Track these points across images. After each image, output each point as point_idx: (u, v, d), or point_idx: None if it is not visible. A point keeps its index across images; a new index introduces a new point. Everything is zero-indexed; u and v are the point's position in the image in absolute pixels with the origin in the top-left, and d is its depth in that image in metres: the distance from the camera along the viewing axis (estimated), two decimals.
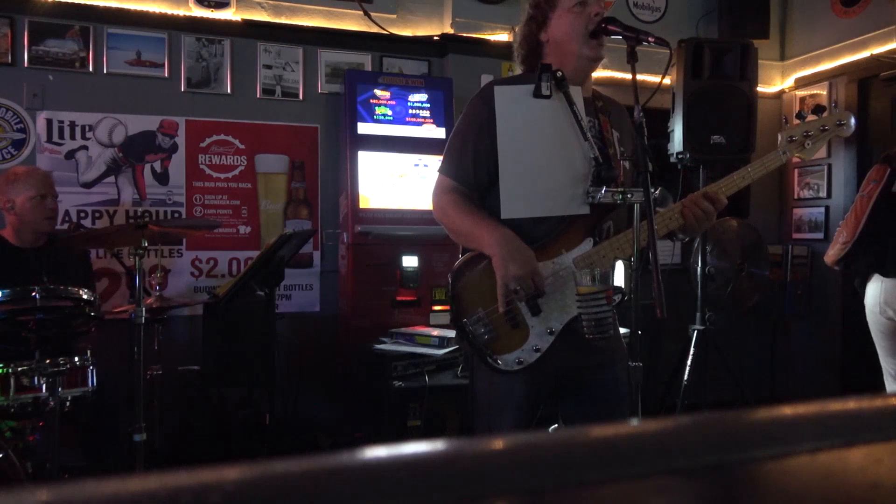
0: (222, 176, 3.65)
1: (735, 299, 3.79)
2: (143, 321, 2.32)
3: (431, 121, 3.69)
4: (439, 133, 3.67)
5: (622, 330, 1.97)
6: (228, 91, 3.65)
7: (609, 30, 1.69)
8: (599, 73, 1.89)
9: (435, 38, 3.97)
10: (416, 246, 3.49)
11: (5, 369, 2.11)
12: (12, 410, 2.13)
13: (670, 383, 3.55)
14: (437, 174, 1.79)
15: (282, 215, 3.75)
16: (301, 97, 3.79)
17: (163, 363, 2.89)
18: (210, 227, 3.44)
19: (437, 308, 3.49)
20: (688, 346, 3.44)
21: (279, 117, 3.75)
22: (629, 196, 1.57)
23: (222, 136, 3.65)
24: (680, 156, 3.59)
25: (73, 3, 3.38)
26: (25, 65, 3.33)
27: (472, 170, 1.72)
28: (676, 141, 3.62)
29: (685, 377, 3.33)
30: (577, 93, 1.70)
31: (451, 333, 2.93)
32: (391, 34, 3.90)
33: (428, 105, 3.69)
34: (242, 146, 3.68)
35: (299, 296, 3.76)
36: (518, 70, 1.87)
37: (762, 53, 4.08)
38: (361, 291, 3.45)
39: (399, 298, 3.47)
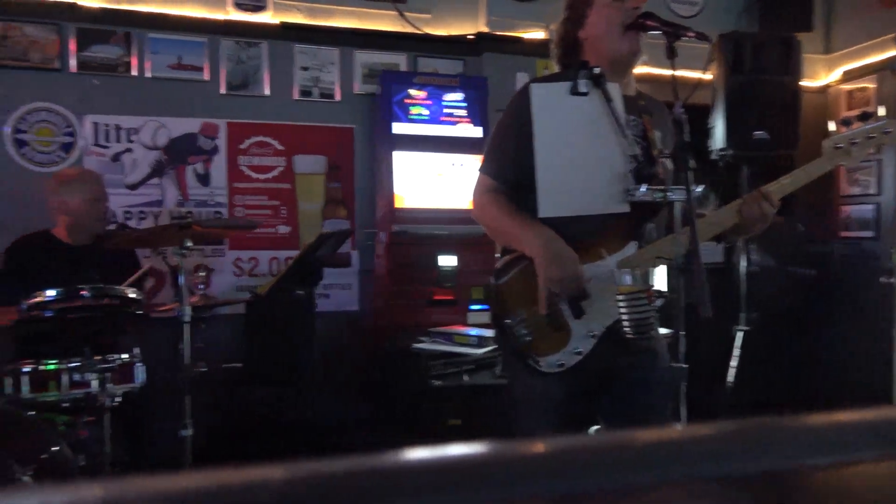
0: (262, 177, 3.71)
1: (780, 299, 3.71)
2: (188, 319, 2.37)
3: (467, 120, 3.68)
4: (475, 132, 3.66)
5: (662, 330, 1.94)
6: (267, 93, 3.71)
7: (647, 25, 1.67)
8: (638, 70, 1.87)
9: (469, 37, 3.97)
10: (453, 245, 3.49)
11: (58, 366, 2.19)
12: (65, 405, 2.21)
13: (713, 385, 3.48)
14: (477, 173, 1.79)
15: (320, 215, 3.80)
16: (337, 98, 3.83)
17: (207, 360, 2.95)
18: (250, 227, 3.50)
19: (474, 307, 3.49)
20: (731, 347, 3.37)
21: (316, 118, 3.80)
22: (670, 194, 1.55)
23: (261, 138, 3.71)
24: (721, 152, 3.52)
25: (116, 10, 3.48)
26: (72, 70, 3.43)
27: (511, 169, 1.72)
28: (718, 137, 3.55)
29: (729, 379, 3.26)
30: (614, 90, 1.68)
31: (490, 333, 2.93)
32: (426, 34, 3.91)
33: (464, 104, 3.69)
34: (281, 147, 3.73)
35: (338, 295, 3.80)
36: (555, 68, 1.86)
37: (806, 46, 3.98)
38: (398, 291, 3.47)
39: (436, 298, 3.48)
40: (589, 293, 1.63)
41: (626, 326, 1.54)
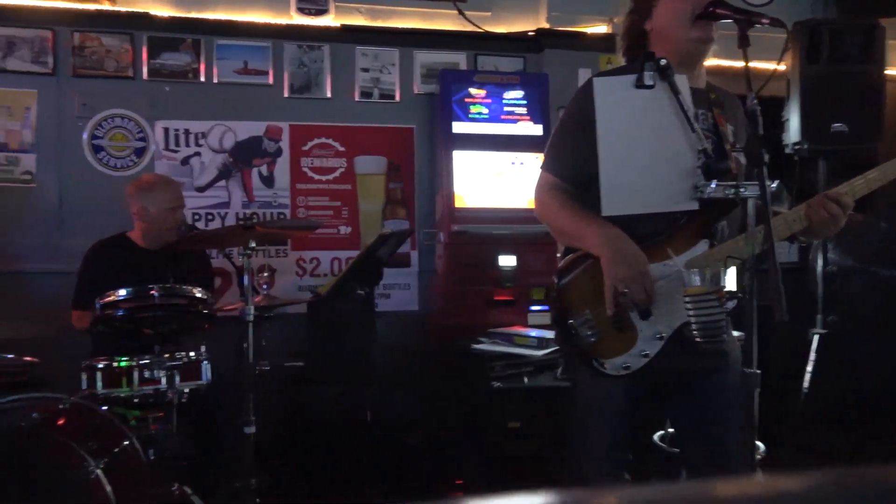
0: (323, 178, 3.76)
1: (860, 301, 3.50)
2: (252, 318, 2.42)
3: (528, 118, 3.63)
4: (536, 130, 3.61)
5: (734, 333, 1.86)
6: (328, 95, 3.76)
7: (717, 13, 1.59)
8: (708, 63, 1.79)
9: (530, 33, 3.91)
10: (514, 245, 3.45)
11: (129, 363, 2.27)
12: (136, 401, 2.28)
13: (787, 391, 3.32)
14: (539, 171, 1.75)
15: (380, 215, 3.82)
16: (397, 98, 3.84)
17: (270, 359, 3.00)
18: (312, 228, 3.55)
19: (535, 308, 3.43)
20: (807, 352, 3.20)
21: (377, 119, 3.82)
22: (742, 190, 1.47)
23: (323, 140, 3.76)
24: (797, 146, 3.35)
25: (185, 18, 3.59)
26: (144, 77, 3.57)
27: (574, 166, 1.67)
28: (793, 130, 3.38)
29: (805, 385, 3.10)
30: (682, 81, 1.61)
31: (551, 334, 2.87)
32: (486, 32, 3.88)
33: (524, 102, 3.65)
34: (342, 148, 3.78)
35: (398, 295, 3.82)
36: (620, 61, 1.80)
37: (890, 32, 3.74)
38: (458, 291, 3.45)
39: (496, 298, 3.44)
40: (655, 293, 1.56)
41: (695, 329, 1.47)
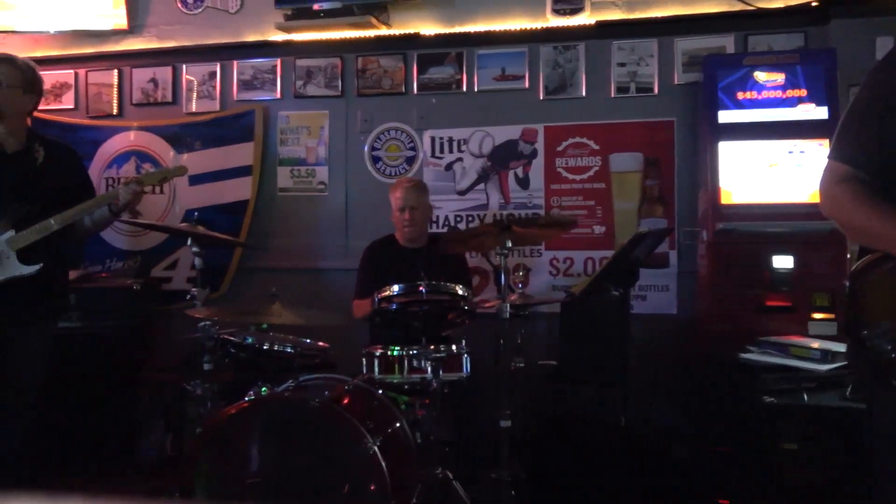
0: (577, 177, 3.76)
1: None
2: (508, 316, 2.51)
3: (808, 100, 3.21)
4: (820, 114, 3.18)
5: None
6: (583, 94, 3.75)
7: None
8: None
9: (814, 3, 3.45)
10: (790, 244, 3.08)
11: (400, 352, 2.50)
12: (405, 387, 2.51)
13: None
14: (826, 160, 1.53)
15: (636, 214, 3.70)
16: (655, 91, 3.68)
17: (524, 356, 3.08)
18: (566, 224, 3.54)
19: (817, 316, 3.02)
20: None
21: (632, 114, 3.71)
22: None
23: (577, 139, 3.75)
24: None
25: (450, 33, 3.86)
26: (414, 92, 3.92)
27: (873, 153, 1.42)
28: None
29: None
30: None
31: (837, 347, 2.51)
32: (758, 9, 3.52)
33: (804, 83, 3.23)
34: (596, 147, 3.74)
35: (655, 297, 3.65)
36: None
37: None
38: (723, 294, 3.18)
39: (768, 304, 3.10)
40: None
41: None
